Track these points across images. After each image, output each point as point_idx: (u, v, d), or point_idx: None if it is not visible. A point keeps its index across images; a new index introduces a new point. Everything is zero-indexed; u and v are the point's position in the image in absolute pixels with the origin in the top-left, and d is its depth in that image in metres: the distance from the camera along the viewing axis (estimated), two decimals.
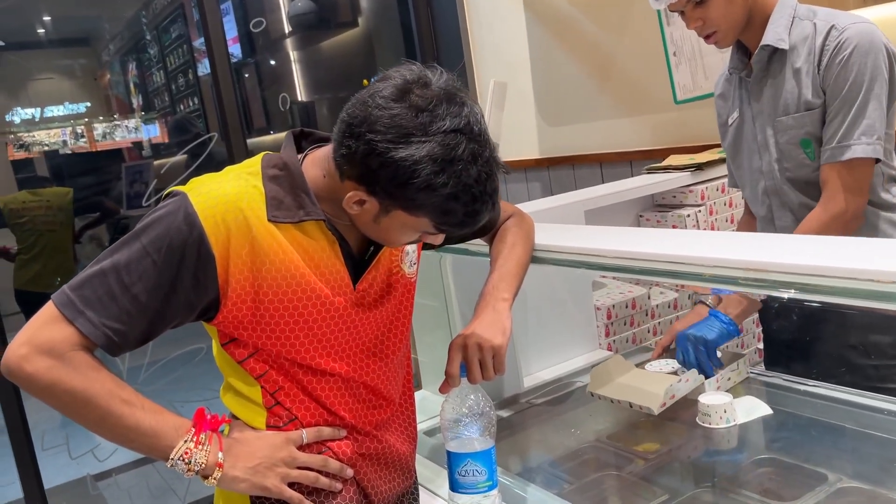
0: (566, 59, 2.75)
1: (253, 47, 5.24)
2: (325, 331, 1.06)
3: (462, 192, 0.93)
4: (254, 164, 1.06)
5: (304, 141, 1.11)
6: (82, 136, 7.48)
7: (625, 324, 1.90)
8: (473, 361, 1.12)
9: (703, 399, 1.38)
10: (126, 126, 7.49)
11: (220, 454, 0.99)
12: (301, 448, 1.06)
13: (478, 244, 1.44)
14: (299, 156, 1.07)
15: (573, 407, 1.60)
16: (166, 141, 6.75)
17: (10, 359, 0.94)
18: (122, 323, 0.95)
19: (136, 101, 7.46)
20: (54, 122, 7.63)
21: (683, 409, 1.43)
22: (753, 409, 1.40)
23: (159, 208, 0.98)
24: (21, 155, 7.33)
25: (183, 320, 1.01)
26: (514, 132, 2.88)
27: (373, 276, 1.11)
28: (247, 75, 5.53)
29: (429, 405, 1.64)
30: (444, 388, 1.15)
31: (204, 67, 6.03)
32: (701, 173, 2.12)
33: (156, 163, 5.07)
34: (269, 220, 0.99)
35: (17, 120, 7.70)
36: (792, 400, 1.45)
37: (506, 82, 1.46)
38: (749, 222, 1.70)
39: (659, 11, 2.36)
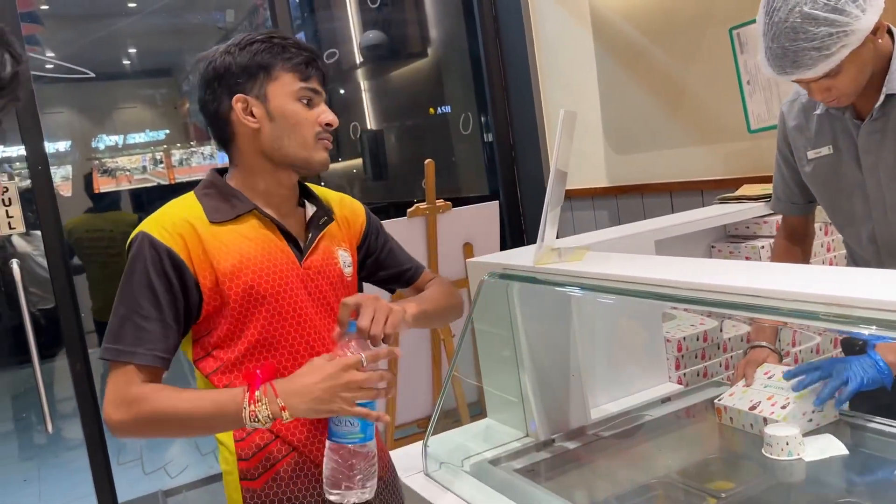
0: (635, 87, 2.73)
1: (325, 77, 5.38)
2: (279, 303, 1.24)
3: (268, 37, 1.26)
4: (184, 196, 1.30)
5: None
6: (161, 162, 7.80)
7: (696, 357, 1.85)
8: (368, 308, 1.20)
9: (768, 430, 1.34)
10: (202, 153, 7.77)
11: (278, 401, 1.11)
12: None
13: (547, 272, 1.43)
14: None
15: (642, 441, 1.56)
16: None
17: (106, 420, 1.18)
18: (160, 341, 1.19)
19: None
20: (136, 148, 7.99)
21: (749, 441, 1.38)
22: (827, 447, 1.34)
23: (131, 253, 1.22)
24: (106, 181, 7.68)
25: (193, 317, 1.22)
26: (582, 160, 2.86)
27: (314, 259, 1.31)
28: None
29: (494, 434, 1.63)
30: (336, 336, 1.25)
31: None
32: None
33: None
34: (211, 223, 1.23)
35: (101, 146, 8.09)
36: (877, 442, 1.38)
37: (575, 112, 1.45)
38: (788, 249, 1.66)
39: (732, 38, 2.32)
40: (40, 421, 2.80)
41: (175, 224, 1.22)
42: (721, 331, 1.89)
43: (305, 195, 1.38)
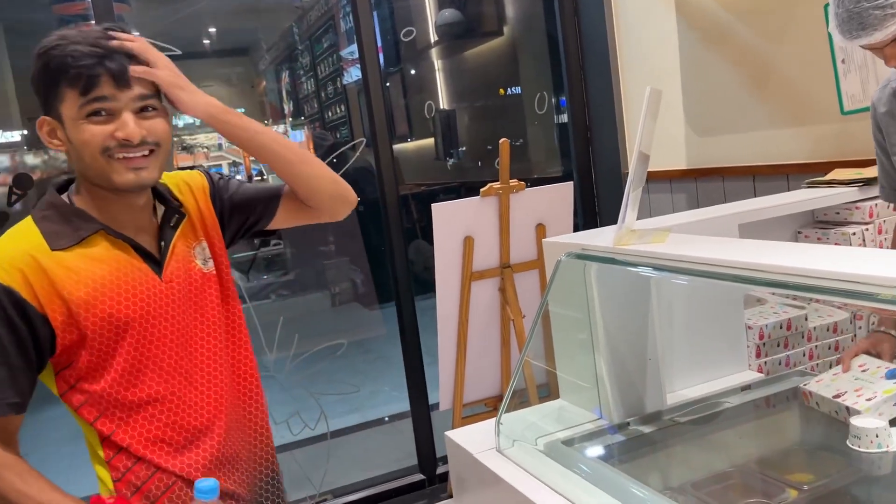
0: (719, 66, 2.64)
1: (399, 57, 5.41)
2: (145, 327, 1.17)
3: (54, 45, 1.11)
4: (22, 222, 1.19)
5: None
6: None
7: (778, 345, 1.80)
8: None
9: (855, 422, 1.29)
10: (276, 131, 7.92)
11: None
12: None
13: (627, 253, 1.41)
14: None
15: (720, 428, 1.53)
16: (310, 145, 7.08)
17: None
18: (9, 388, 1.11)
19: (288, 107, 7.89)
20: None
21: (833, 431, 1.33)
22: None
23: None
24: (185, 157, 7.93)
25: (48, 352, 1.14)
26: (660, 141, 2.79)
27: (174, 268, 1.22)
28: (388, 84, 5.72)
29: (567, 415, 1.62)
30: None
31: (350, 76, 6.29)
32: (869, 189, 1.97)
33: None
34: (53, 251, 1.12)
35: (180, 124, 8.34)
36: None
37: (661, 90, 1.42)
38: None
39: (826, 15, 2.22)
40: None
41: (12, 258, 1.11)
42: (806, 319, 1.82)
43: (157, 196, 1.26)
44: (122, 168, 1.13)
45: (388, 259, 2.88)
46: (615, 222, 1.50)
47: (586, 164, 3.10)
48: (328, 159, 3.25)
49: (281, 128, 8.27)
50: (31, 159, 5.89)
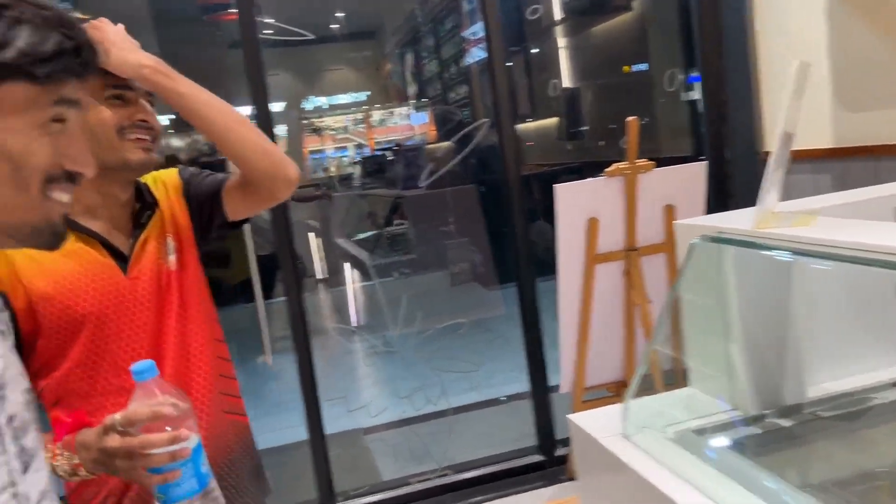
0: (873, 37, 2.43)
1: (522, 35, 5.36)
2: (103, 322, 1.16)
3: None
4: None
5: None
6: (361, 122, 8.21)
7: None
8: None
9: None
10: (400, 113, 8.08)
11: (74, 457, 1.04)
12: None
13: (769, 237, 1.34)
14: None
15: (867, 425, 1.43)
16: (433, 127, 7.16)
17: None
18: None
19: (412, 89, 8.01)
20: (339, 109, 8.46)
21: None
22: None
23: None
24: (313, 140, 8.20)
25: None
26: (802, 118, 2.62)
27: (142, 265, 1.22)
28: (510, 63, 5.68)
29: (697, 404, 1.57)
30: None
31: (472, 57, 6.29)
32: None
33: (429, 147, 5.41)
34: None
35: (309, 107, 8.64)
36: None
37: (809, 64, 1.32)
38: None
39: None
40: (261, 354, 3.11)
41: None
42: None
43: (138, 196, 1.27)
44: (132, 147, 1.18)
45: (510, 240, 2.88)
46: (749, 205, 1.42)
47: (719, 143, 2.95)
48: (455, 137, 3.26)
49: (405, 109, 8.40)
50: (175, 142, 6.30)
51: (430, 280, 5.32)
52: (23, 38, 0.68)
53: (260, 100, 2.59)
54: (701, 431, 1.42)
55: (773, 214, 1.39)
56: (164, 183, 1.34)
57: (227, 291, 4.27)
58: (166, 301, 1.25)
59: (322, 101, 8.65)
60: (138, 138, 1.18)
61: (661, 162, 2.52)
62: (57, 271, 1.15)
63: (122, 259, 1.22)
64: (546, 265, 4.09)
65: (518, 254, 2.84)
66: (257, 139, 1.27)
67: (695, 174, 2.55)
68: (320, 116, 8.29)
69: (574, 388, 2.59)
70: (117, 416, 0.97)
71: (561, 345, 2.57)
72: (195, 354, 1.29)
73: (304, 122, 8.25)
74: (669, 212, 2.51)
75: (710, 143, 2.98)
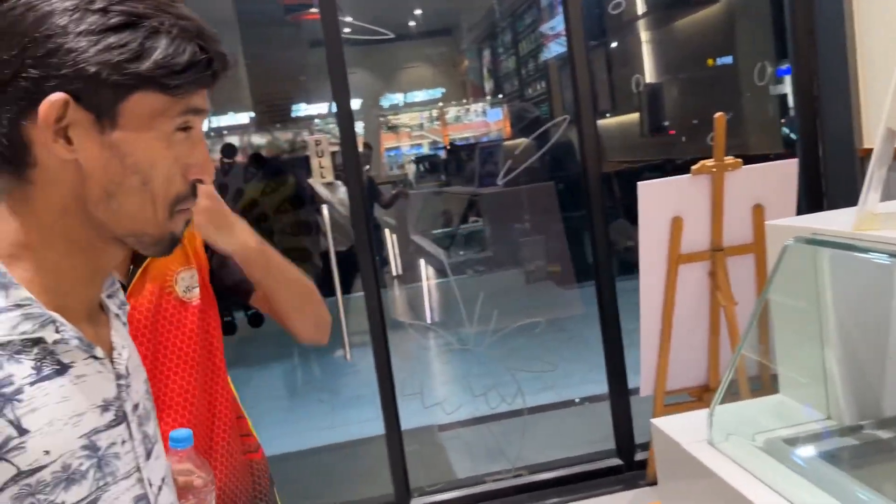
0: None
1: (603, 30, 5.27)
2: None
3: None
4: None
5: None
6: (437, 119, 8.26)
7: None
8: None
9: None
10: (475, 110, 8.08)
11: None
12: None
13: (869, 239, 1.27)
14: None
15: None
16: (509, 125, 7.13)
17: None
18: None
19: (488, 85, 8.00)
20: (415, 106, 8.52)
21: None
22: None
23: None
24: (389, 137, 8.30)
25: None
26: None
27: (142, 294, 1.15)
28: (590, 58, 5.58)
29: (788, 412, 1.50)
30: None
31: (550, 52, 6.23)
32: None
33: (507, 144, 5.40)
34: None
35: (386, 104, 8.74)
36: None
37: None
38: None
39: None
40: (340, 349, 3.17)
41: None
42: None
43: None
44: None
45: (589, 238, 2.83)
46: (845, 205, 1.36)
47: (812, 140, 2.82)
48: (533, 135, 3.22)
49: (479, 106, 8.41)
50: (256, 139, 6.49)
51: (504, 278, 5.30)
52: (159, 50, 0.68)
53: (341, 98, 2.62)
54: (792, 441, 1.37)
55: (874, 215, 1.32)
56: None
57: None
58: (176, 332, 1.20)
59: (398, 98, 8.73)
60: None
61: (749, 160, 2.43)
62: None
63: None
64: (625, 264, 4.02)
65: (597, 252, 2.79)
66: (316, 311, 1.29)
67: (786, 172, 2.45)
68: (396, 114, 8.38)
69: (655, 391, 2.53)
70: None
71: (642, 346, 2.52)
72: (219, 401, 1.25)
73: (381, 119, 8.35)
74: (758, 212, 2.42)
75: (802, 140, 2.85)
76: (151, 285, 1.19)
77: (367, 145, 6.15)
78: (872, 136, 2.72)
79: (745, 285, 2.47)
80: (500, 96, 7.81)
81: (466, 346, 3.45)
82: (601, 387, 2.92)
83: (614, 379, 2.82)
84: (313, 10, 2.49)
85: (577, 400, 3.62)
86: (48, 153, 0.68)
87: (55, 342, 0.70)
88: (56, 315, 0.70)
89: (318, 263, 4.49)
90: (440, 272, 5.03)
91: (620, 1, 2.94)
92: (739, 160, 2.37)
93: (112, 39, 0.67)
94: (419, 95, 8.59)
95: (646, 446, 2.77)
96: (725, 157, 2.36)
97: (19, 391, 0.66)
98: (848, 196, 2.65)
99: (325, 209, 2.75)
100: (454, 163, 6.40)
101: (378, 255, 4.42)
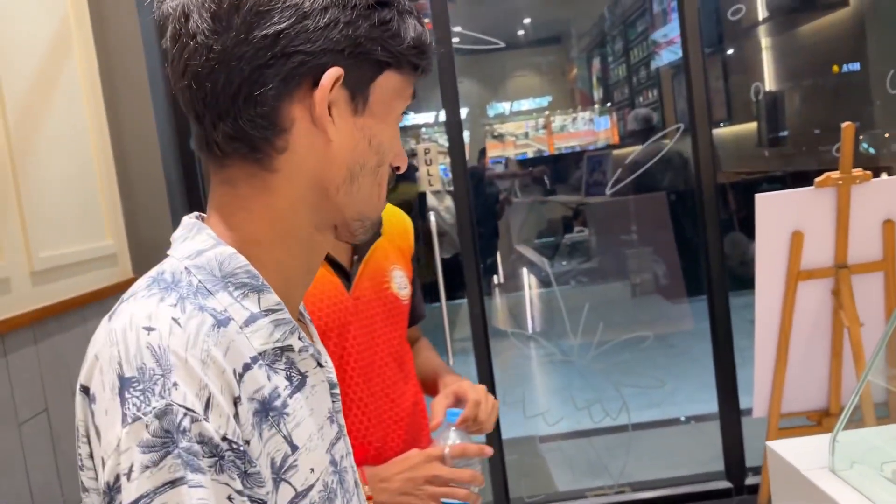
0: None
1: (720, 36, 5.09)
2: (342, 336, 1.13)
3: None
4: None
5: None
6: (543, 128, 8.20)
7: None
8: (475, 396, 1.15)
9: None
10: (583, 118, 7.98)
11: (366, 489, 1.04)
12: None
13: None
14: None
15: None
16: (616, 133, 7.00)
17: None
18: None
19: (598, 94, 7.89)
20: (521, 115, 8.52)
21: None
22: None
23: None
24: (494, 146, 8.34)
25: None
26: None
27: (364, 284, 1.18)
28: (705, 65, 5.40)
29: None
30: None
31: (662, 59, 6.07)
32: None
33: (615, 153, 5.31)
34: None
35: (491, 113, 8.78)
36: None
37: None
38: None
39: None
40: (444, 354, 3.20)
41: None
42: None
43: None
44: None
45: (702, 251, 2.74)
46: None
47: None
48: (648, 142, 3.14)
49: (587, 114, 8.30)
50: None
51: (609, 290, 5.20)
52: (412, 30, 0.67)
53: (451, 108, 2.66)
54: None
55: None
56: (402, 222, 1.32)
57: None
58: (390, 327, 1.24)
59: (504, 106, 8.75)
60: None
61: (881, 172, 2.29)
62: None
63: (343, 275, 1.19)
64: (738, 279, 3.86)
65: (710, 266, 2.70)
66: None
67: None
68: (502, 122, 8.40)
69: (769, 413, 2.41)
70: (445, 449, 1.09)
71: (756, 366, 2.41)
72: (413, 385, 1.30)
73: (487, 128, 8.38)
74: (889, 227, 2.27)
75: None
76: (368, 280, 1.21)
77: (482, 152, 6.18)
78: None
79: (873, 306, 2.32)
80: (609, 104, 7.68)
81: (569, 357, 3.41)
82: (709, 406, 2.82)
83: (725, 398, 2.71)
84: (426, 20, 2.52)
85: (682, 418, 3.51)
86: (305, 136, 0.64)
87: (299, 350, 0.66)
88: (293, 320, 0.66)
89: (425, 269, 4.55)
90: (543, 281, 5.00)
91: (740, 7, 2.84)
92: (868, 172, 2.23)
93: (378, 16, 0.64)
94: (525, 104, 8.56)
95: (757, 470, 2.64)
96: (854, 169, 2.22)
97: (285, 404, 0.62)
98: None
99: (431, 216, 2.79)
100: (559, 171, 6.34)
101: (484, 262, 4.43)
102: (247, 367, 0.60)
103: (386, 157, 0.69)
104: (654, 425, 3.41)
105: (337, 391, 0.73)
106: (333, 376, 0.73)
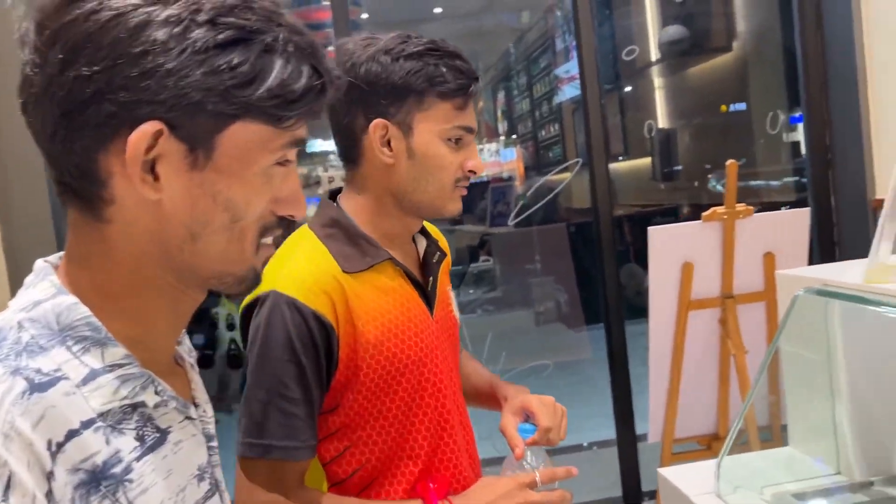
0: None
1: (617, 75, 5.33)
2: (420, 371, 1.08)
3: (427, 50, 1.04)
4: (303, 236, 1.08)
5: (337, 196, 1.14)
6: None
7: None
8: (546, 408, 1.14)
9: None
10: (489, 149, 8.13)
11: None
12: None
13: (881, 292, 1.26)
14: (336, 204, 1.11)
15: None
16: (521, 165, 7.17)
17: None
18: (310, 427, 1.00)
19: (502, 126, 8.07)
20: None
21: None
22: None
23: (261, 319, 0.98)
24: None
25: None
26: None
27: (439, 307, 1.15)
28: (603, 102, 5.65)
29: (797, 465, 1.48)
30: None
31: (563, 95, 6.29)
32: None
33: (518, 185, 5.44)
34: (344, 272, 1.02)
35: None
36: None
37: None
38: None
39: None
40: None
41: (317, 280, 1.00)
42: None
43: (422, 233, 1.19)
44: (457, 197, 1.09)
45: (600, 281, 2.82)
46: (857, 256, 1.35)
47: (825, 189, 2.82)
48: (547, 175, 3.23)
49: (494, 145, 8.49)
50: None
51: (514, 318, 5.28)
52: (273, 74, 0.57)
53: None
54: (801, 496, 1.34)
55: (885, 267, 1.31)
56: (443, 240, 1.27)
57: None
58: (455, 350, 1.21)
59: None
60: (463, 187, 1.10)
61: (762, 207, 2.44)
62: (383, 312, 1.05)
63: (424, 297, 1.12)
64: (635, 308, 4.00)
65: (607, 296, 2.78)
66: None
67: (798, 221, 2.45)
68: None
69: (663, 438, 2.49)
70: (535, 475, 1.08)
71: (650, 392, 2.49)
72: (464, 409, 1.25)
73: None
74: (770, 260, 2.41)
75: (814, 189, 2.85)
76: (440, 302, 1.17)
77: None
78: (885, 186, 2.72)
79: (757, 333, 2.45)
80: (514, 137, 7.88)
81: None
82: (611, 431, 2.88)
83: (622, 424, 2.79)
84: (330, 48, 2.51)
85: (585, 444, 3.57)
86: (129, 190, 0.57)
87: (155, 406, 0.60)
88: (151, 373, 0.60)
89: None
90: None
91: (634, 48, 2.98)
92: (751, 208, 2.37)
93: (221, 60, 0.55)
94: None
95: (653, 494, 2.72)
96: (737, 205, 2.35)
97: (128, 469, 0.57)
98: (862, 246, 2.64)
99: None
100: (465, 201, 6.42)
101: None
102: (72, 435, 0.53)
103: (245, 213, 0.61)
104: (556, 452, 3.44)
105: (214, 444, 0.68)
106: (211, 427, 0.68)
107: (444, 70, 1.03)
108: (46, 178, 2.29)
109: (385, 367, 1.04)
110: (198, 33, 0.55)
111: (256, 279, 0.65)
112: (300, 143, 0.63)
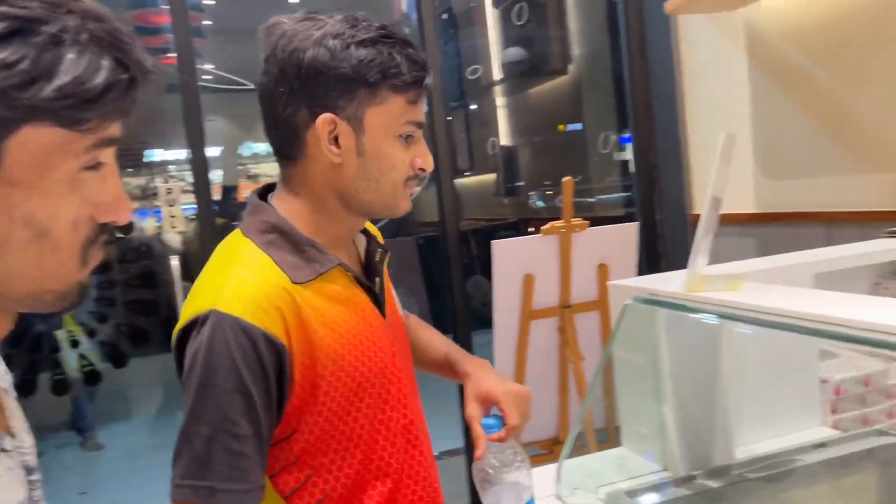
0: (793, 110, 2.58)
1: (462, 93, 5.48)
2: (382, 384, 1.01)
3: (379, 36, 0.93)
4: (239, 244, 0.97)
5: (268, 195, 1.04)
6: None
7: (855, 402, 1.71)
8: (513, 402, 1.12)
9: None
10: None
11: None
12: None
13: (699, 300, 1.37)
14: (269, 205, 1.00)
15: (792, 486, 1.46)
16: None
17: None
18: (260, 466, 0.89)
19: None
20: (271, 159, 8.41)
21: None
22: None
23: (201, 342, 0.86)
24: (248, 186, 8.11)
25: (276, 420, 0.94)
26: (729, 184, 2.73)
27: (390, 310, 1.09)
28: (449, 118, 5.80)
29: (629, 464, 1.57)
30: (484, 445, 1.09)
31: None
32: None
33: None
34: (293, 283, 0.92)
35: (247, 152, 8.56)
36: None
37: (735, 134, 1.39)
38: None
39: None
40: None
41: (268, 294, 0.89)
42: (887, 375, 1.73)
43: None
44: (407, 195, 1.01)
45: (448, 293, 2.88)
46: (680, 266, 1.46)
47: (650, 205, 3.05)
48: None
49: None
50: None
51: None
52: (64, 71, 0.50)
53: (196, 145, 2.55)
54: (632, 493, 1.43)
55: (702, 278, 1.43)
56: (376, 231, 1.18)
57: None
58: (407, 352, 1.14)
59: (260, 147, 8.59)
60: (413, 185, 1.02)
61: (596, 221, 2.59)
62: (340, 323, 0.95)
63: (374, 300, 1.03)
64: (482, 319, 4.10)
65: (455, 306, 2.84)
66: None
67: (627, 235, 2.62)
68: (257, 163, 8.23)
69: None
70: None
71: None
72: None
73: (240, 167, 8.16)
74: (603, 270, 2.56)
75: (641, 204, 3.07)
76: (390, 304, 1.09)
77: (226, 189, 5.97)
78: (703, 202, 2.99)
79: (593, 341, 2.59)
80: None
81: None
82: (459, 441, 2.93)
83: (469, 432, 2.84)
84: (171, 54, 2.43)
85: (437, 454, 3.60)
86: None
87: None
88: None
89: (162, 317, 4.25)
90: None
91: (478, 67, 3.07)
92: (586, 222, 2.51)
93: None
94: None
95: None
96: (573, 219, 2.49)
97: None
98: (683, 257, 2.87)
99: (173, 261, 2.62)
100: None
101: None
102: None
103: (51, 225, 0.54)
104: None
105: (35, 477, 0.61)
106: (31, 459, 0.61)
107: (399, 60, 0.94)
108: None
109: (346, 383, 0.95)
110: None
111: (82, 295, 0.59)
112: (113, 143, 0.56)
